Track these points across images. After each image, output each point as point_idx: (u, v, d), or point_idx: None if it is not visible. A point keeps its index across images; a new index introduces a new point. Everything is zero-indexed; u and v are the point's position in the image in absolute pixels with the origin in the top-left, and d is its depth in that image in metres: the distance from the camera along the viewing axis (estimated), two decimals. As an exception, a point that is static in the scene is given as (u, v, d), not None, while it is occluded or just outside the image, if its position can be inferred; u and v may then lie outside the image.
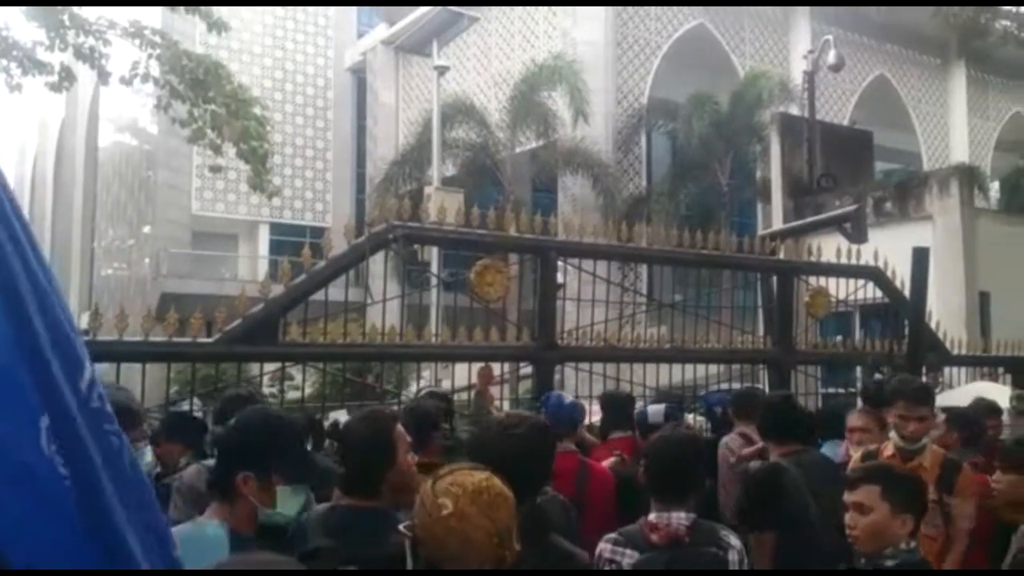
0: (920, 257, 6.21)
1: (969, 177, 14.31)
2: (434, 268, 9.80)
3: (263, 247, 29.91)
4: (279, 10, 29.76)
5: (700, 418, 6.23)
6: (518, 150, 21.34)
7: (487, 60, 24.81)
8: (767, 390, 6.72)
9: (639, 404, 5.19)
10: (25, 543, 1.19)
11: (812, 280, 7.72)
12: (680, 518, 2.64)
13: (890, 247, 7.85)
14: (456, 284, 7.15)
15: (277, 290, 5.23)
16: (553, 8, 22.60)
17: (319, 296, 5.35)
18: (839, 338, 8.20)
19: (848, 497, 2.56)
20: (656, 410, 4.15)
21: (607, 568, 2.64)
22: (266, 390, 6.45)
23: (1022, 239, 14.60)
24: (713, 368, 7.73)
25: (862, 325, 9.66)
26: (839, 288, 7.79)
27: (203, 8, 11.15)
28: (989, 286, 13.32)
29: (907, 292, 6.70)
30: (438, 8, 16.22)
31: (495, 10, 23.67)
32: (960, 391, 7.63)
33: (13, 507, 1.19)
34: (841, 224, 8.07)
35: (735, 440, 4.42)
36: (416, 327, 5.87)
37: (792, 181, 13.13)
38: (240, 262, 30.91)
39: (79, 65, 10.44)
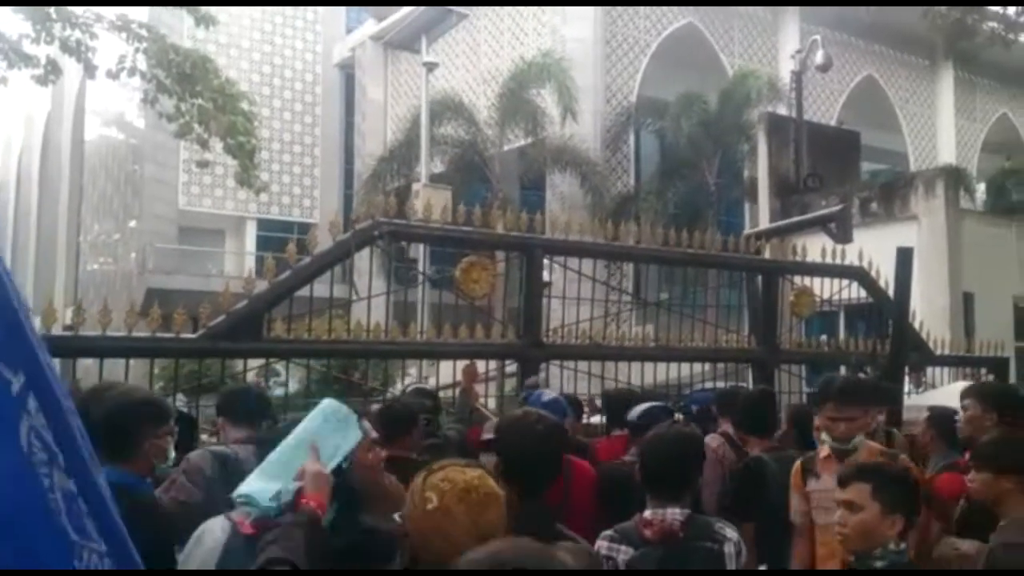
0: (904, 257, 6.25)
1: (955, 178, 14.40)
2: (421, 265, 9.79)
3: (250, 243, 29.81)
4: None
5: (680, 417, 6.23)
6: (506, 147, 21.34)
7: (476, 57, 24.79)
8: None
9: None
10: None
11: (797, 280, 7.75)
12: (675, 514, 2.66)
13: (875, 247, 7.88)
14: (442, 281, 7.14)
15: (261, 286, 5.22)
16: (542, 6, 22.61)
17: (304, 293, 5.34)
18: (824, 338, 8.24)
19: (839, 495, 2.56)
20: (638, 409, 4.16)
21: (605, 564, 2.66)
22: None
23: (1006, 240, 14.73)
24: (698, 367, 7.75)
25: (847, 325, 9.70)
26: (823, 288, 7.83)
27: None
28: (973, 287, 13.42)
29: (891, 292, 6.75)
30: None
31: (484, 7, 23.64)
32: (942, 391, 7.69)
33: None
34: (826, 224, 8.10)
35: (715, 439, 4.44)
36: (402, 324, 5.86)
37: (779, 181, 13.18)
38: (227, 258, 30.78)
39: (65, 58, 10.37)
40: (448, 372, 6.17)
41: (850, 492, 2.53)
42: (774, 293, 7.37)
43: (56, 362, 5.93)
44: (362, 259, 5.78)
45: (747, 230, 13.05)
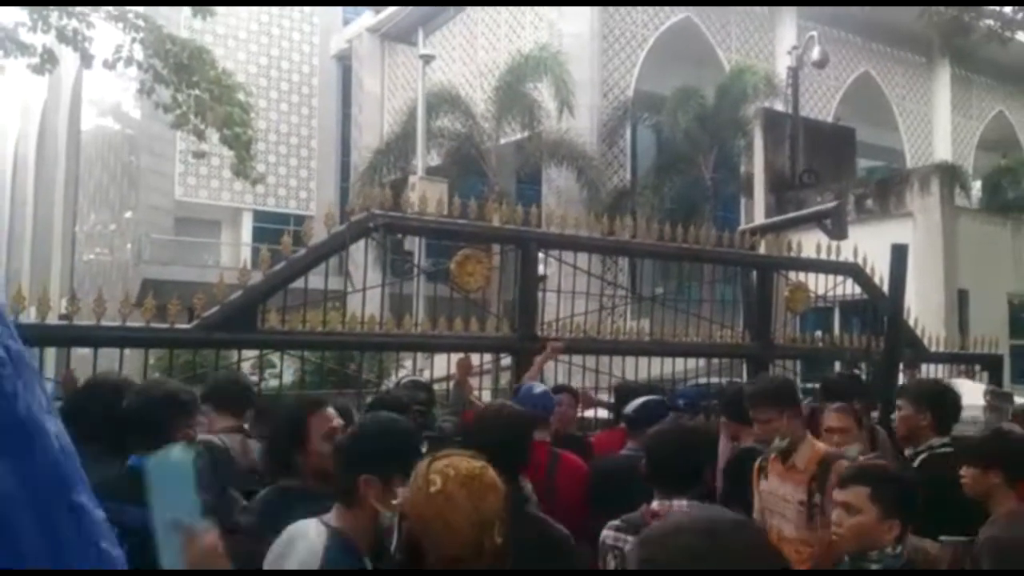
0: (899, 254, 6.25)
1: (950, 176, 14.44)
2: (416, 258, 9.80)
3: (246, 234, 29.76)
4: (265, -5, 29.55)
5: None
6: (503, 141, 21.31)
7: (473, 50, 24.75)
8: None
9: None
10: None
11: (792, 276, 7.77)
12: (681, 505, 2.68)
13: (871, 244, 7.90)
14: (438, 274, 7.15)
15: (257, 277, 5.22)
16: None
17: (300, 284, 5.35)
18: (818, 333, 8.26)
19: (837, 496, 2.57)
20: (634, 404, 4.17)
21: (611, 554, 2.70)
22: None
23: (1001, 238, 14.78)
24: (692, 362, 7.76)
25: (841, 321, 9.73)
26: (818, 284, 7.85)
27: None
28: (968, 284, 13.47)
29: (886, 289, 6.76)
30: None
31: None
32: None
33: None
34: (821, 220, 8.10)
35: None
36: (397, 316, 5.87)
37: (774, 176, 13.20)
38: (223, 249, 30.75)
39: (62, 47, 10.34)
40: (443, 365, 6.19)
41: (848, 494, 2.53)
42: (769, 289, 7.38)
43: (51, 351, 5.92)
44: (358, 251, 5.79)
45: (743, 226, 13.08)
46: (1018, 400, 6.35)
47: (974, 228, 14.32)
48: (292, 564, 2.11)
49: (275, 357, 6.14)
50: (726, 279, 8.08)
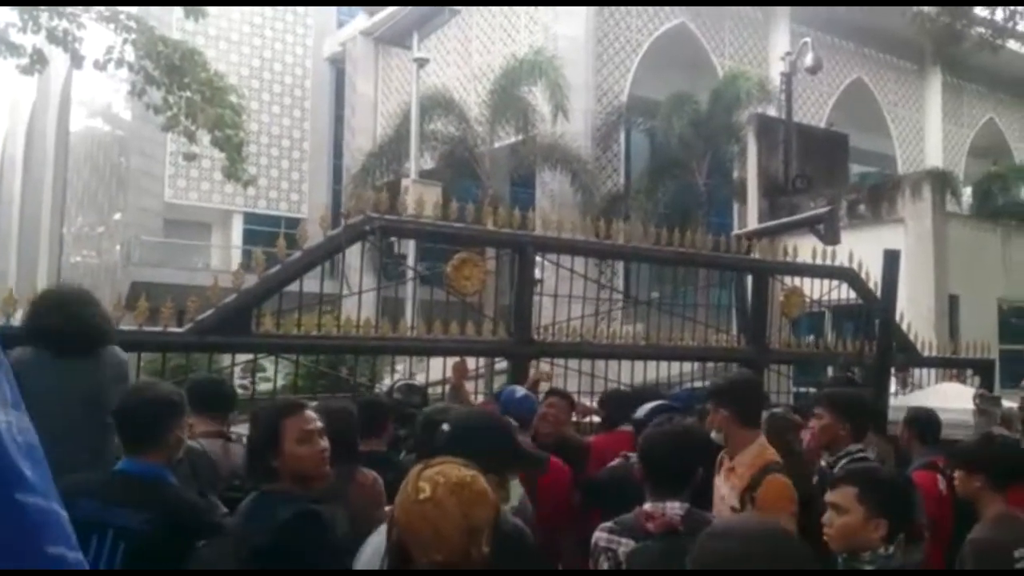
0: (891, 260, 6.27)
1: (941, 182, 14.51)
2: (410, 261, 9.76)
3: (236, 237, 29.69)
4: (258, -3, 29.51)
5: None
6: (497, 144, 21.33)
7: (467, 53, 24.75)
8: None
9: None
10: None
11: (787, 280, 7.77)
12: (675, 507, 2.68)
13: (863, 249, 7.92)
14: (433, 277, 7.12)
15: (250, 280, 5.19)
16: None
17: (293, 288, 5.32)
18: (811, 338, 8.28)
19: (828, 496, 2.59)
20: (645, 408, 4.17)
21: (604, 556, 2.69)
22: (237, 382, 6.40)
23: (991, 244, 14.86)
24: (687, 366, 7.76)
25: (834, 326, 9.75)
26: (813, 288, 7.86)
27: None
28: (958, 289, 13.53)
29: (879, 294, 6.77)
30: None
31: (476, 5, 23.62)
32: (927, 391, 7.75)
33: None
34: (814, 225, 8.12)
35: None
36: (391, 320, 5.84)
37: (768, 182, 13.20)
38: (213, 251, 30.66)
39: (52, 48, 10.28)
40: (438, 369, 6.16)
41: (836, 495, 2.55)
42: (764, 293, 7.39)
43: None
44: (352, 255, 5.76)
45: (736, 230, 13.07)
46: (1006, 404, 6.37)
47: (965, 234, 14.39)
48: (359, 563, 2.16)
49: (267, 361, 6.10)
50: (721, 284, 8.09)
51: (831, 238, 7.79)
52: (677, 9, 23.20)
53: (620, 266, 13.76)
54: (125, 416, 2.71)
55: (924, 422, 4.63)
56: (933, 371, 8.80)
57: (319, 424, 2.66)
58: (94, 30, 10.35)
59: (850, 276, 7.80)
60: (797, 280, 7.77)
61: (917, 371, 8.72)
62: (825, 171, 13.70)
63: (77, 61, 10.29)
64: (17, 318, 4.61)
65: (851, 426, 3.75)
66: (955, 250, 13.62)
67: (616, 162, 22.64)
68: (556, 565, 3.87)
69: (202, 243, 30.63)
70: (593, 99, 21.90)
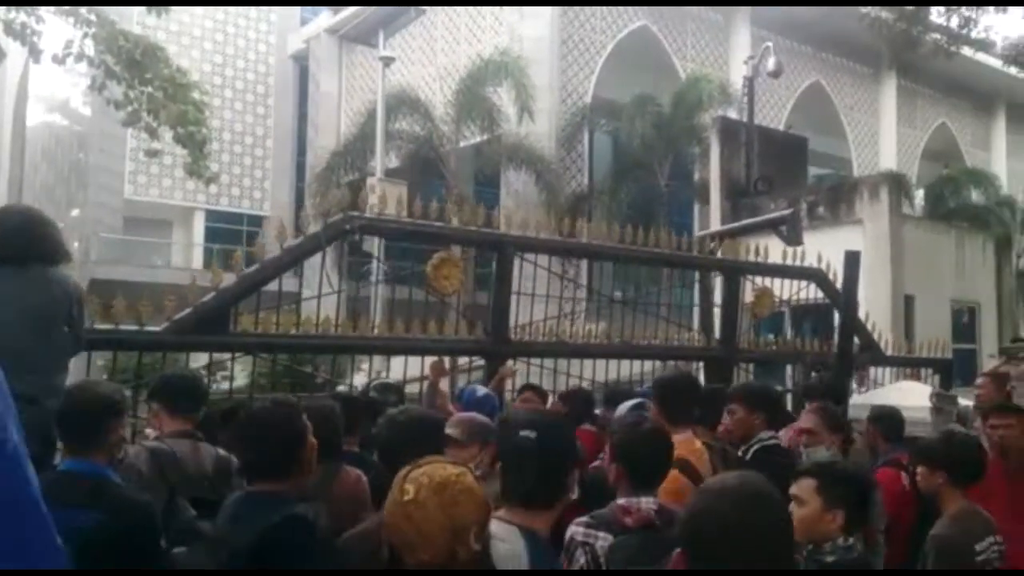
0: (851, 260, 6.41)
1: (898, 184, 14.80)
2: (375, 261, 9.74)
3: (198, 234, 29.33)
4: (220, -7, 29.19)
5: None
6: (462, 144, 21.32)
7: (432, 53, 24.71)
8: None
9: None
10: None
11: (751, 280, 7.90)
12: (649, 502, 2.73)
13: (822, 250, 8.08)
14: (408, 277, 7.14)
15: (228, 279, 5.17)
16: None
17: (271, 288, 5.31)
18: (771, 336, 8.43)
19: (791, 489, 2.66)
20: (625, 406, 4.23)
21: (581, 550, 2.70)
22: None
23: (945, 246, 15.22)
24: (649, 364, 7.86)
25: (793, 325, 9.92)
26: (783, 288, 7.99)
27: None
28: (913, 290, 13.82)
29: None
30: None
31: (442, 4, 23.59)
32: (887, 389, 7.93)
33: None
34: (777, 227, 8.27)
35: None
36: (353, 319, 5.85)
37: (730, 183, 13.38)
38: (174, 249, 30.25)
39: (9, 41, 10.09)
40: (400, 367, 6.18)
41: (797, 487, 2.63)
42: (735, 293, 7.49)
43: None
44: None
45: (697, 231, 13.19)
46: (963, 402, 6.54)
47: (919, 236, 14.70)
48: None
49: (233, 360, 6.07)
50: (683, 283, 8.20)
51: (794, 239, 7.94)
52: (640, 11, 23.37)
53: (583, 265, 13.85)
54: (66, 416, 2.69)
55: (888, 420, 4.75)
56: (889, 369, 9.01)
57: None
58: (53, 24, 10.18)
59: (819, 277, 7.95)
60: (759, 280, 7.89)
61: (874, 369, 8.92)
62: (785, 173, 13.92)
63: (35, 55, 10.10)
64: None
65: (764, 416, 3.94)
66: (910, 251, 13.91)
67: (580, 162, 22.75)
68: None
69: (163, 240, 30.20)
70: (558, 100, 21.98)
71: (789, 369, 8.90)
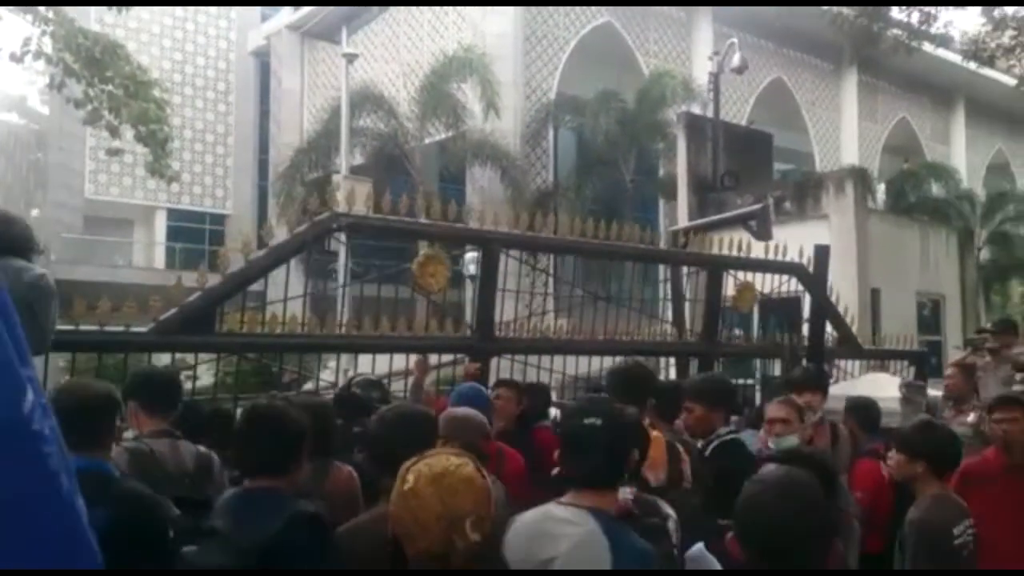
0: (821, 255, 6.48)
1: (862, 179, 15.00)
2: (342, 259, 9.66)
3: (160, 233, 28.92)
4: (178, -11, 28.77)
5: None
6: (427, 141, 21.24)
7: (395, 49, 24.55)
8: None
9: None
10: None
11: (733, 276, 7.92)
12: (626, 492, 2.73)
13: (790, 245, 8.15)
14: (399, 275, 7.08)
15: (213, 279, 5.09)
16: None
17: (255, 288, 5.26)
18: (738, 332, 8.49)
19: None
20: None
21: None
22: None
23: (907, 239, 15.47)
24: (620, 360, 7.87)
25: (761, 319, 10.01)
26: (763, 283, 8.04)
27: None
28: (879, 283, 14.02)
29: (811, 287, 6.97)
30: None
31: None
32: (859, 381, 8.03)
33: None
34: (747, 222, 8.33)
35: None
36: (319, 317, 5.80)
37: (696, 179, 13.48)
38: (135, 248, 29.80)
39: (-36, 39, 9.86)
40: (366, 365, 6.13)
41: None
42: (717, 288, 7.51)
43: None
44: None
45: (663, 226, 13.25)
46: (932, 393, 6.63)
47: (885, 230, 14.93)
48: (564, 546, 2.18)
49: (190, 358, 5.99)
50: (664, 279, 8.20)
51: (763, 234, 7.99)
52: (603, 8, 23.42)
53: (550, 261, 13.86)
54: (67, 414, 2.64)
55: (864, 410, 4.80)
56: (857, 362, 9.11)
57: None
58: (11, 21, 9.97)
59: (800, 271, 7.99)
60: (739, 275, 7.93)
61: (842, 362, 9.02)
62: (750, 168, 14.07)
63: (-9, 53, 9.89)
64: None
65: (722, 412, 4.03)
66: (876, 245, 14.11)
67: (545, 159, 22.76)
68: None
69: (125, 240, 29.74)
70: (522, 96, 21.96)
71: (757, 362, 8.99)
